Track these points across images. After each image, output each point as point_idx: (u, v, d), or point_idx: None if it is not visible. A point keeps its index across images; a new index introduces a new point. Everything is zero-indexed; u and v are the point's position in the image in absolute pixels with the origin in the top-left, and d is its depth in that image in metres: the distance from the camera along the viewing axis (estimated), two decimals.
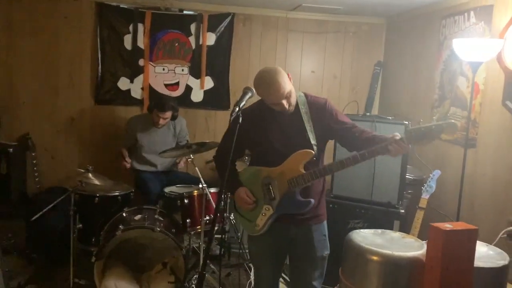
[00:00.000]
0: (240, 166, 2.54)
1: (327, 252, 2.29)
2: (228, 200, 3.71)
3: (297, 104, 2.20)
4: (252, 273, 3.41)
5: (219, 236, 3.62)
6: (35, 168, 4.08)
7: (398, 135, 1.96)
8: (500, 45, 2.66)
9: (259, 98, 2.21)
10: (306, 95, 2.26)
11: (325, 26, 4.59)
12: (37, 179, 4.06)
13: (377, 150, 1.97)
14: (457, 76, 3.30)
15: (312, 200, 2.18)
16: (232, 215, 3.81)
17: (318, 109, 2.24)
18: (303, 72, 4.64)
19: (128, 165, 3.90)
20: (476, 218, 2.95)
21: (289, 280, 2.45)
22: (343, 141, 2.26)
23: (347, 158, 2.03)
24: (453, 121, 1.95)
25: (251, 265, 3.66)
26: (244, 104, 1.97)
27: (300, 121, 2.20)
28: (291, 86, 2.12)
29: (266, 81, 2.09)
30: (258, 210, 2.25)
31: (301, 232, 2.28)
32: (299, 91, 2.26)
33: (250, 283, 3.42)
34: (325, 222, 2.33)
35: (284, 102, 2.11)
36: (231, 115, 1.89)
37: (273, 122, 2.23)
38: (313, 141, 2.18)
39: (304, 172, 2.13)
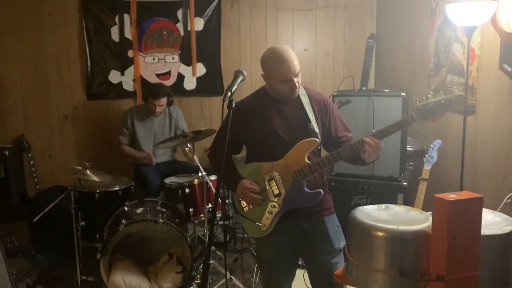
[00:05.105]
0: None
1: (343, 243, 2.12)
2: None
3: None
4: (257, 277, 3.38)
5: (223, 222, 3.61)
6: (33, 169, 4.05)
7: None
8: (494, 7, 2.59)
9: (252, 90, 2.16)
10: (304, 87, 2.20)
11: (315, 2, 4.50)
12: (36, 180, 4.03)
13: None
14: (452, 43, 3.24)
15: (321, 191, 2.09)
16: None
17: (319, 102, 2.19)
18: (296, 51, 4.36)
19: (153, 157, 3.84)
20: (479, 185, 2.93)
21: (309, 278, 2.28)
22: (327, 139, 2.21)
23: (355, 142, 1.97)
24: (461, 93, 1.89)
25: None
26: (236, 88, 1.92)
27: (302, 110, 2.13)
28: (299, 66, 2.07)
29: (278, 56, 2.05)
30: (262, 209, 2.13)
31: (314, 226, 2.15)
32: None
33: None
34: (335, 215, 2.22)
35: (295, 80, 2.05)
36: (223, 100, 1.84)
37: (276, 110, 2.13)
38: (317, 130, 2.12)
39: (309, 162, 2.04)
